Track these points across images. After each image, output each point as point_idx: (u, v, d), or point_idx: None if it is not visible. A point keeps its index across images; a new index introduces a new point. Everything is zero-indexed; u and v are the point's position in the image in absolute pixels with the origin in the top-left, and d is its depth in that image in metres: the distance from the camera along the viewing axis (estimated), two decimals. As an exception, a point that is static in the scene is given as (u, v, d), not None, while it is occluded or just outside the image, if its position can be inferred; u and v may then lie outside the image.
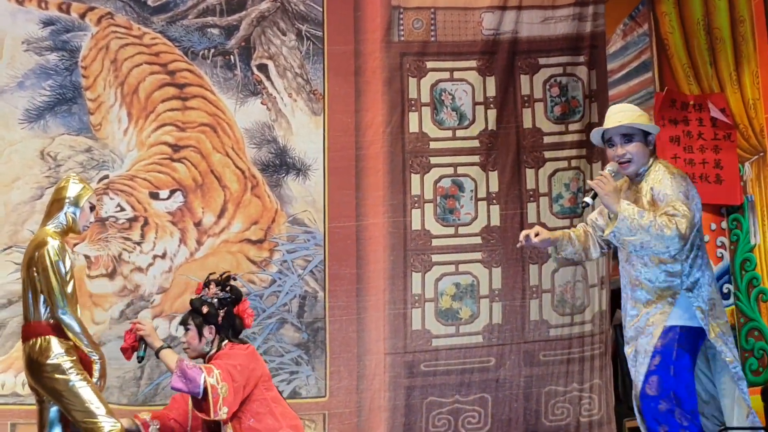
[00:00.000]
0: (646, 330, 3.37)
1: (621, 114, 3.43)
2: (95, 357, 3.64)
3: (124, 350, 3.69)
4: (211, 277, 3.73)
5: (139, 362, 3.70)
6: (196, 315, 3.66)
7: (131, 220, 4.68)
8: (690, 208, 3.29)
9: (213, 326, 3.65)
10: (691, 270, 3.38)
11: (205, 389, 3.45)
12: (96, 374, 3.64)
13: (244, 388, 3.53)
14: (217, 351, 3.65)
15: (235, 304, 3.70)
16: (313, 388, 4.69)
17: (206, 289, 3.70)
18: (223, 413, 3.46)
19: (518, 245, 3.54)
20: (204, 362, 3.62)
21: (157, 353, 3.61)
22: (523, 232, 3.49)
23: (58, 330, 3.65)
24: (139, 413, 3.78)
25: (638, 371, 3.38)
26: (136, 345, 3.65)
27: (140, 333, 3.64)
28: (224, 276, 3.74)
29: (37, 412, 3.74)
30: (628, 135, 3.39)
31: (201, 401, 3.47)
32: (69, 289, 3.64)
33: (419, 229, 4.81)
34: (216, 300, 3.66)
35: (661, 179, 3.34)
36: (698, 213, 3.34)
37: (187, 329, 3.68)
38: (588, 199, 3.37)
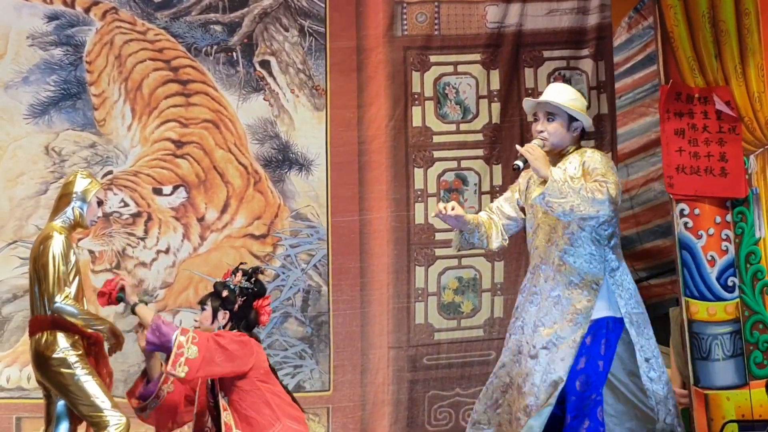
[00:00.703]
0: (574, 318, 3.36)
1: (556, 93, 3.48)
2: (102, 328, 3.65)
3: (101, 294, 3.70)
4: (242, 266, 3.75)
5: (118, 302, 3.70)
6: (215, 298, 3.69)
7: (135, 215, 4.71)
8: (616, 182, 3.36)
9: (228, 312, 3.67)
10: (612, 257, 3.41)
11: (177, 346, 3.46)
12: (107, 345, 3.64)
13: (220, 366, 3.51)
14: None
15: (256, 297, 3.72)
16: (317, 382, 4.71)
17: (233, 276, 3.72)
18: (181, 371, 3.44)
19: (434, 215, 3.59)
20: None
21: (132, 308, 3.63)
22: (440, 205, 3.52)
23: (64, 324, 3.68)
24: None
25: (559, 358, 3.35)
26: (115, 293, 3.66)
27: (123, 282, 3.67)
28: (254, 267, 3.76)
29: (44, 406, 3.78)
30: (552, 114, 3.43)
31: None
32: (70, 283, 3.67)
33: (422, 223, 4.82)
34: (238, 288, 3.67)
35: (592, 156, 3.41)
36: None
37: (203, 309, 3.70)
38: (519, 162, 3.39)
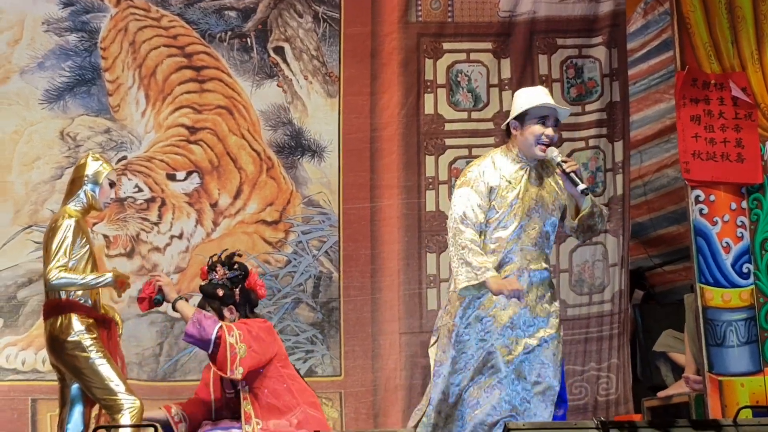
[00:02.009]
0: (557, 320, 3.42)
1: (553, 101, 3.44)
2: (106, 280, 3.65)
3: (140, 300, 3.74)
4: (215, 260, 3.75)
5: (157, 305, 3.73)
6: (212, 299, 3.70)
7: (149, 200, 4.73)
8: None
9: (232, 306, 3.68)
10: None
11: (218, 343, 3.48)
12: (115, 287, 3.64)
13: (259, 356, 3.57)
14: None
15: (245, 279, 3.73)
16: (328, 367, 4.72)
17: (213, 272, 3.73)
18: (238, 372, 3.50)
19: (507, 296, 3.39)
20: None
21: (173, 304, 3.64)
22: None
23: (79, 307, 3.69)
24: (170, 406, 3.79)
25: (551, 363, 3.39)
26: (153, 295, 3.69)
27: (159, 283, 3.68)
28: (227, 255, 3.76)
29: (59, 389, 3.79)
30: (558, 121, 3.41)
31: (215, 356, 3.49)
32: (74, 263, 3.66)
33: (434, 210, 4.82)
34: (227, 280, 3.68)
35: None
36: None
37: None
38: (583, 185, 3.38)
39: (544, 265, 3.46)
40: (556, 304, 3.49)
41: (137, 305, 3.80)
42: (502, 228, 3.39)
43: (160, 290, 3.69)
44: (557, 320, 3.45)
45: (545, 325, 3.41)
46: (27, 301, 4.57)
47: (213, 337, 3.48)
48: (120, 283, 3.69)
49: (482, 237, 3.37)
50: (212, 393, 3.76)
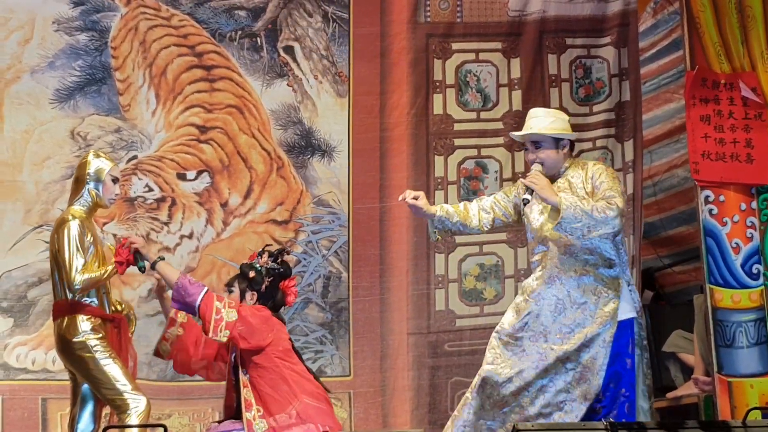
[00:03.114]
0: (603, 321, 3.48)
1: (535, 120, 3.59)
2: (112, 266, 3.65)
3: (118, 264, 3.67)
4: (267, 248, 3.77)
5: (142, 272, 3.67)
6: (243, 279, 3.70)
7: (159, 200, 4.74)
8: (623, 190, 3.47)
9: (256, 293, 3.69)
10: (622, 253, 3.54)
11: (202, 308, 3.47)
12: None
13: (251, 333, 3.55)
14: None
15: (283, 278, 3.74)
16: (337, 367, 4.73)
17: (259, 257, 3.73)
18: (223, 335, 3.48)
19: (399, 199, 3.64)
20: None
21: (153, 265, 3.62)
22: (406, 192, 3.60)
23: (86, 308, 3.71)
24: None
25: (592, 358, 3.48)
26: (131, 259, 3.64)
27: (135, 246, 3.65)
28: (280, 249, 3.79)
29: (70, 388, 3.80)
30: (537, 141, 3.54)
31: (201, 319, 3.50)
32: (89, 264, 3.67)
33: (443, 211, 4.82)
34: (265, 269, 3.69)
35: (597, 170, 3.52)
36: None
37: (230, 291, 3.71)
38: (527, 196, 3.50)
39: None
40: None
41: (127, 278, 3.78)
42: None
43: (137, 252, 3.64)
44: None
45: None
46: (37, 300, 4.58)
47: (198, 303, 3.47)
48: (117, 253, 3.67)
49: None
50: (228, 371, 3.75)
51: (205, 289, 3.55)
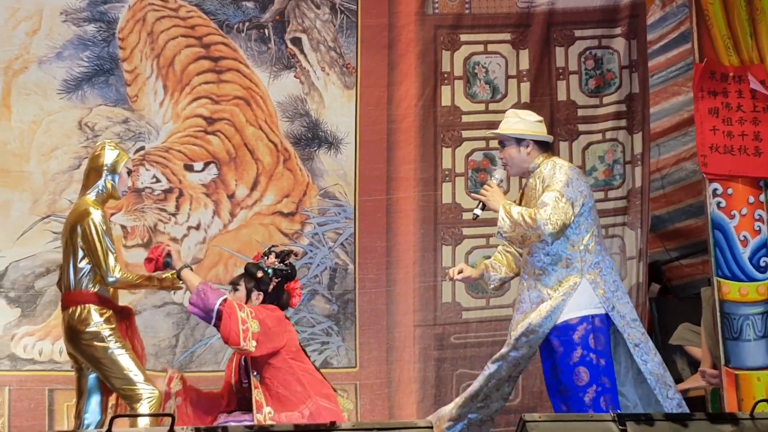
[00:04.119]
0: (548, 314, 3.55)
1: (502, 123, 3.73)
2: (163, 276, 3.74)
3: (148, 260, 3.73)
4: (273, 249, 3.78)
5: (167, 267, 3.72)
6: (249, 279, 3.71)
7: (166, 191, 4.74)
8: (563, 197, 3.47)
9: (262, 293, 3.69)
10: (590, 256, 3.57)
11: (221, 316, 3.47)
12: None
13: (272, 338, 3.56)
14: None
15: (289, 279, 3.75)
16: (343, 358, 4.73)
17: (265, 257, 3.73)
18: (251, 345, 3.47)
19: (446, 279, 3.91)
20: None
21: (179, 272, 3.66)
22: (451, 272, 3.79)
23: (98, 298, 3.72)
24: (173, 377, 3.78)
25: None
26: (161, 261, 3.70)
27: (169, 248, 3.71)
28: (287, 250, 3.79)
29: (75, 380, 3.81)
30: (502, 142, 3.69)
31: (219, 328, 3.48)
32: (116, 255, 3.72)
33: (450, 203, 4.82)
34: (272, 269, 3.70)
35: (550, 170, 3.59)
36: (583, 199, 3.54)
37: (236, 289, 3.73)
38: (477, 211, 3.65)
39: None
40: None
41: (144, 266, 3.77)
42: None
43: (169, 254, 3.70)
44: None
45: None
46: (45, 291, 4.59)
47: (216, 308, 3.46)
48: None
49: None
50: (233, 380, 3.76)
51: (225, 296, 3.55)
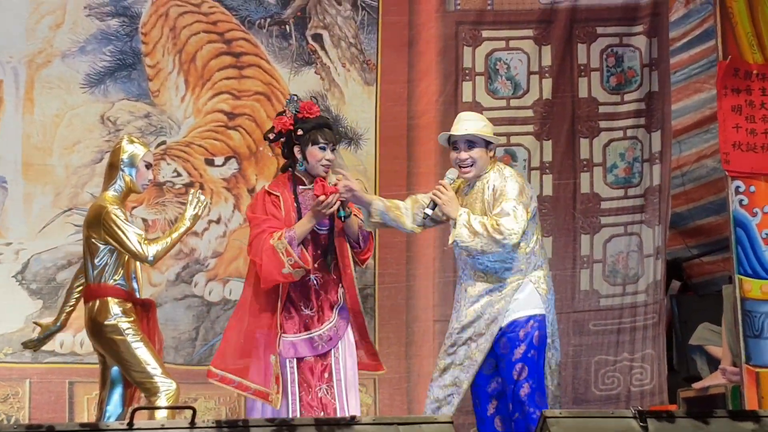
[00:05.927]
0: (494, 318, 3.58)
1: (468, 122, 3.66)
2: (186, 224, 3.77)
3: (315, 196, 3.58)
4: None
5: (341, 220, 3.64)
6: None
7: (187, 185, 4.77)
8: (520, 205, 3.50)
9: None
10: (532, 260, 3.59)
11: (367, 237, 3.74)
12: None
13: None
14: None
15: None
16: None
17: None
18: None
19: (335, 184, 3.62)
20: None
21: (346, 217, 3.63)
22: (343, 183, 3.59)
23: (117, 292, 3.74)
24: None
25: (476, 349, 3.62)
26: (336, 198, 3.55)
27: (351, 190, 3.59)
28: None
29: (99, 371, 3.84)
30: (472, 141, 3.61)
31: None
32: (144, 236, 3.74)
33: (470, 199, 4.81)
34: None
35: (502, 178, 3.58)
36: (533, 204, 3.58)
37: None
38: (428, 210, 3.59)
39: None
40: None
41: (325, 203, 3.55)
42: None
43: (343, 203, 3.59)
44: None
45: None
46: (66, 283, 4.57)
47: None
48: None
49: None
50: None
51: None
